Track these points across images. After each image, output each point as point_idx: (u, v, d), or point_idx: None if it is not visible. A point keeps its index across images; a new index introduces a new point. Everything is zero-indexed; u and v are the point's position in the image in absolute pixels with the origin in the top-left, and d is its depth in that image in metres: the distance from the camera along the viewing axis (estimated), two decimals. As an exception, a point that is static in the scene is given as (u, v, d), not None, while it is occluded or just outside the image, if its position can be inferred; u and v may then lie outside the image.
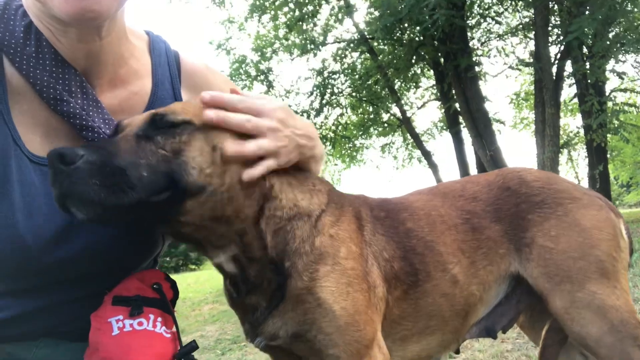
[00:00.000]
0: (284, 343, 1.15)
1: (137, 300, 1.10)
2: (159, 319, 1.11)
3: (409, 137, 18.07)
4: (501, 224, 1.40)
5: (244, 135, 1.04)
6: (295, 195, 1.15)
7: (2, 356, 1.07)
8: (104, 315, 1.07)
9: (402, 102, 16.73)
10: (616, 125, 11.50)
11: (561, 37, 11.50)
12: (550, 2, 10.80)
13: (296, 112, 1.27)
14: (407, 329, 1.33)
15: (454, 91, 12.76)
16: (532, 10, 11.39)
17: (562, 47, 11.62)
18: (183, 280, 12.55)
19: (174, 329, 1.16)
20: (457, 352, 1.52)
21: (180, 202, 0.95)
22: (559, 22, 11.92)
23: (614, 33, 10.93)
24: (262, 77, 15.26)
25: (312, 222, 1.14)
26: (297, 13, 13.40)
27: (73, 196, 0.85)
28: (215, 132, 1.01)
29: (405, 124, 16.81)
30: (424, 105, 18.11)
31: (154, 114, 0.99)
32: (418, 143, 16.75)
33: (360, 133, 18.73)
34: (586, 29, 8.87)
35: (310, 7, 13.46)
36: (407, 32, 12.66)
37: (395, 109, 17.60)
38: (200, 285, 12.12)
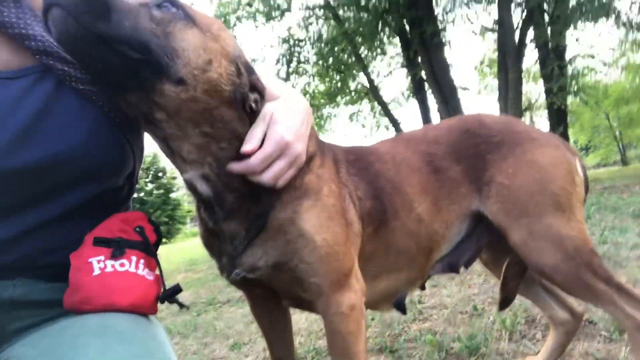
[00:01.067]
0: (263, 275, 1.16)
1: (119, 241, 1.07)
2: (142, 261, 1.09)
3: (377, 105, 18.13)
4: (462, 165, 1.45)
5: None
6: None
7: None
8: (84, 255, 1.03)
9: (369, 70, 16.71)
10: (575, 89, 11.86)
11: (523, 4, 11.65)
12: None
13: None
14: (378, 265, 1.39)
15: (419, 59, 12.82)
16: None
17: (525, 14, 11.79)
18: (154, 253, 12.42)
19: (157, 271, 1.14)
20: (423, 287, 1.59)
21: (156, 78, 0.94)
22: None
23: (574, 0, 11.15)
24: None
25: (307, 161, 1.18)
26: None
27: (56, 5, 0.84)
28: (213, 46, 1.00)
29: (372, 92, 16.83)
30: (390, 73, 18.12)
31: None
32: (386, 111, 16.82)
33: (328, 102, 18.68)
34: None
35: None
36: (372, -2, 12.60)
37: (362, 77, 17.58)
38: (173, 257, 12.07)
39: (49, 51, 1.02)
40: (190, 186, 1.12)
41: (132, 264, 1.07)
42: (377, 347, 2.18)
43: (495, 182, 1.41)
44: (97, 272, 1.02)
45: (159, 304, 1.15)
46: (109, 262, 1.04)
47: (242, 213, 1.12)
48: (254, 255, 1.14)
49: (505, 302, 1.67)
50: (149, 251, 1.12)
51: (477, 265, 1.93)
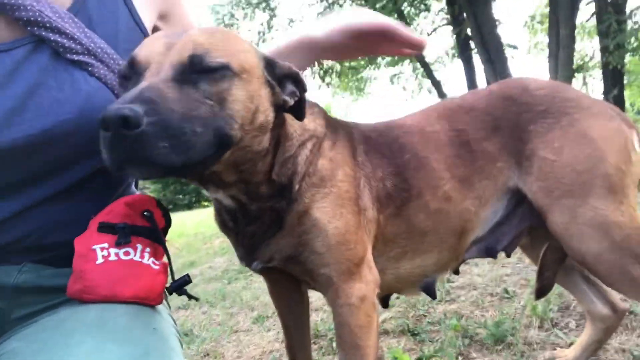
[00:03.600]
0: (278, 264, 1.15)
1: (124, 228, 1.02)
2: (148, 249, 1.04)
3: (419, 66, 17.57)
4: (500, 136, 1.31)
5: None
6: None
7: None
8: (88, 242, 0.99)
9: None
10: (635, 46, 10.96)
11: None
12: None
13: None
14: (401, 246, 1.31)
15: (465, 14, 12.17)
16: None
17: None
18: (196, 216, 12.64)
19: (164, 259, 1.10)
20: (457, 272, 1.48)
21: (221, 155, 0.89)
22: None
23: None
24: (263, 5, 14.66)
25: (318, 144, 1.13)
26: None
27: (139, 160, 0.76)
28: (253, 87, 0.91)
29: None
30: (434, 31, 17.42)
31: (192, 57, 0.85)
32: (428, 72, 16.28)
33: (368, 63, 18.22)
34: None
35: None
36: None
37: (404, 37, 16.97)
38: (212, 221, 12.35)
39: (40, 21, 0.97)
40: (216, 200, 1.13)
41: (137, 253, 1.03)
42: (399, 328, 2.08)
43: (538, 156, 1.26)
44: (100, 260, 0.98)
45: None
46: (113, 250, 1.00)
47: (263, 219, 1.11)
48: (270, 250, 1.13)
49: (541, 291, 1.53)
50: (156, 238, 1.08)
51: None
